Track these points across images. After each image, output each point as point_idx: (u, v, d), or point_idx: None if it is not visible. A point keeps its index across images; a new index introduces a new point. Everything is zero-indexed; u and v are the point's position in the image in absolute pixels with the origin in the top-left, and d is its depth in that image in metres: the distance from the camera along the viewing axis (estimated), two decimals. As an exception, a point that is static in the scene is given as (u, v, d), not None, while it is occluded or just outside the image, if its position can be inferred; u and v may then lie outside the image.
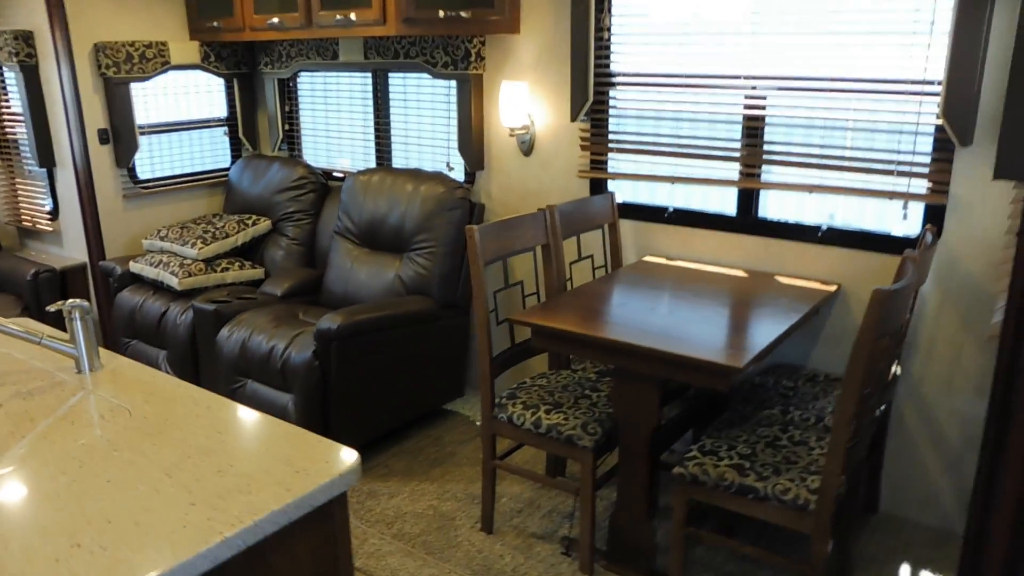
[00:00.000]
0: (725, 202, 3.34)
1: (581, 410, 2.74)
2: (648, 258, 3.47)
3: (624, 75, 3.49)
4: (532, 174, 3.85)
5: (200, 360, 3.86)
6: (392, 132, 4.42)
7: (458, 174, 4.10)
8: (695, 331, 2.49)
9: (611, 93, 3.54)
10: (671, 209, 3.45)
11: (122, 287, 4.28)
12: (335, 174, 4.66)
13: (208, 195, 4.88)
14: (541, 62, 3.70)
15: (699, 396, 3.07)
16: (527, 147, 3.82)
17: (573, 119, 3.59)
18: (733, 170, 3.24)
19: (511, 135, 3.80)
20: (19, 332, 2.00)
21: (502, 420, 2.83)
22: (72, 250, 4.60)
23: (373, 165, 4.50)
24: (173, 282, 3.99)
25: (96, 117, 4.32)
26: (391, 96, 4.40)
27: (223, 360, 3.63)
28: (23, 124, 4.51)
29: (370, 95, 4.45)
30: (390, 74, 4.36)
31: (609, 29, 3.46)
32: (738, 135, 3.18)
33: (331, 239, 4.16)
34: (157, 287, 4.14)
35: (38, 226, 4.77)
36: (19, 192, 4.86)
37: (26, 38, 4.31)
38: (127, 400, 1.84)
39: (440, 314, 3.71)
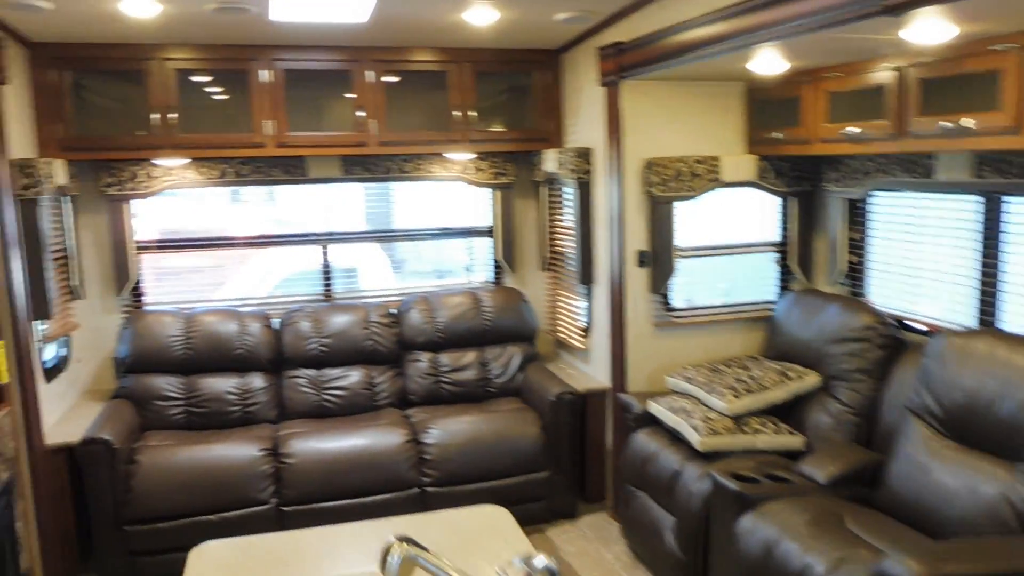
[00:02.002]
0: None
1: None
2: None
3: None
4: None
5: (712, 546, 3.11)
6: (1005, 278, 3.18)
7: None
8: None
9: None
10: None
11: (639, 426, 3.80)
12: (912, 325, 3.56)
13: (747, 330, 4.19)
14: None
15: None
16: None
17: None
18: None
19: None
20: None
21: None
22: (597, 371, 4.33)
23: (973, 321, 3.31)
24: (693, 439, 3.35)
25: (637, 237, 3.99)
26: (1006, 229, 3.18)
27: (741, 560, 2.82)
28: (573, 238, 4.44)
29: (973, 225, 3.28)
30: (1006, 199, 3.15)
31: None
32: None
33: (900, 416, 3.09)
34: (675, 436, 3.55)
35: (571, 341, 4.63)
36: (560, 304, 4.81)
37: (585, 155, 4.21)
38: None
39: (1079, 574, 2.36)
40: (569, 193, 4.48)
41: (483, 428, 4.04)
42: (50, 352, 3.98)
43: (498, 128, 4.64)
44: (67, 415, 3.93)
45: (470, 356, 4.56)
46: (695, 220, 4.11)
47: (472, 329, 4.57)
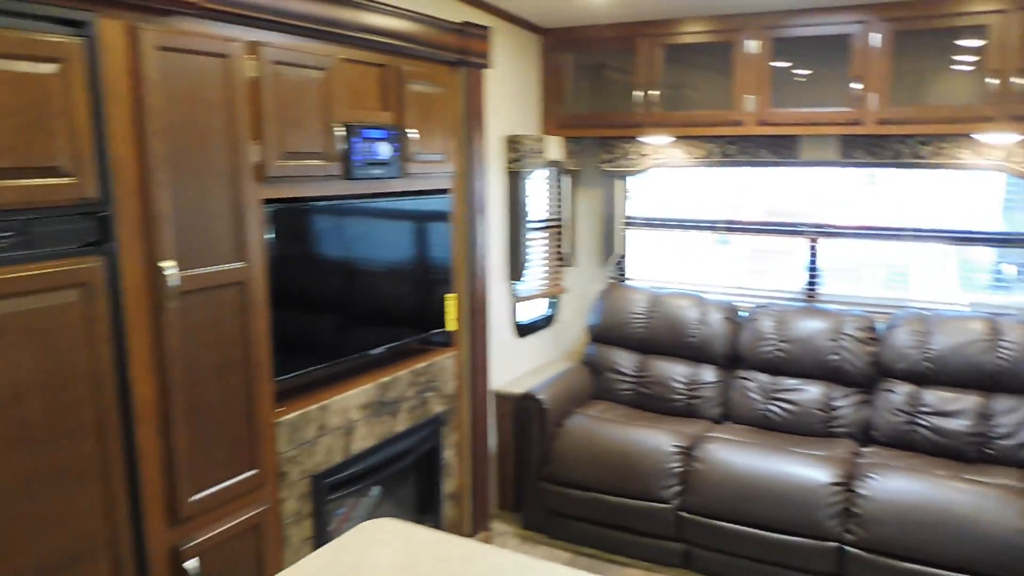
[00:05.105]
0: None
1: None
2: None
3: None
4: None
5: None
6: None
7: None
8: None
9: None
10: None
11: None
12: None
13: None
14: None
15: None
16: None
17: None
18: None
19: None
20: None
21: None
22: None
23: None
24: None
25: None
26: None
27: None
28: None
29: None
30: None
31: None
32: None
33: None
34: None
35: None
36: None
37: None
38: None
39: None
40: None
41: (946, 498, 3.08)
42: (533, 311, 4.43)
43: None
44: (536, 369, 4.34)
45: (966, 401, 3.50)
46: None
47: (979, 367, 3.49)
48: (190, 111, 2.20)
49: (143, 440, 2.15)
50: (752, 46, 3.71)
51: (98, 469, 2.03)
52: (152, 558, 2.21)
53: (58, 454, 1.92)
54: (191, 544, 2.30)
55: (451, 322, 3.55)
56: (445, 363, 3.52)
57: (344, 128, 2.78)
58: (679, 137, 4.15)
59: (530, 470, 3.87)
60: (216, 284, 2.33)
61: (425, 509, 3.53)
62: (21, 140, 1.81)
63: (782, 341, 3.88)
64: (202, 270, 2.27)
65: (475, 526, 3.81)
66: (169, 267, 2.15)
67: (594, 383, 4.24)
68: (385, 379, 3.13)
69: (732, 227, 4.37)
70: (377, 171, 2.97)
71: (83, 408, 1.98)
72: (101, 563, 2.06)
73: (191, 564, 2.29)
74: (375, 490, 3.24)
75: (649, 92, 3.95)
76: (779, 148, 4.00)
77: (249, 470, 2.49)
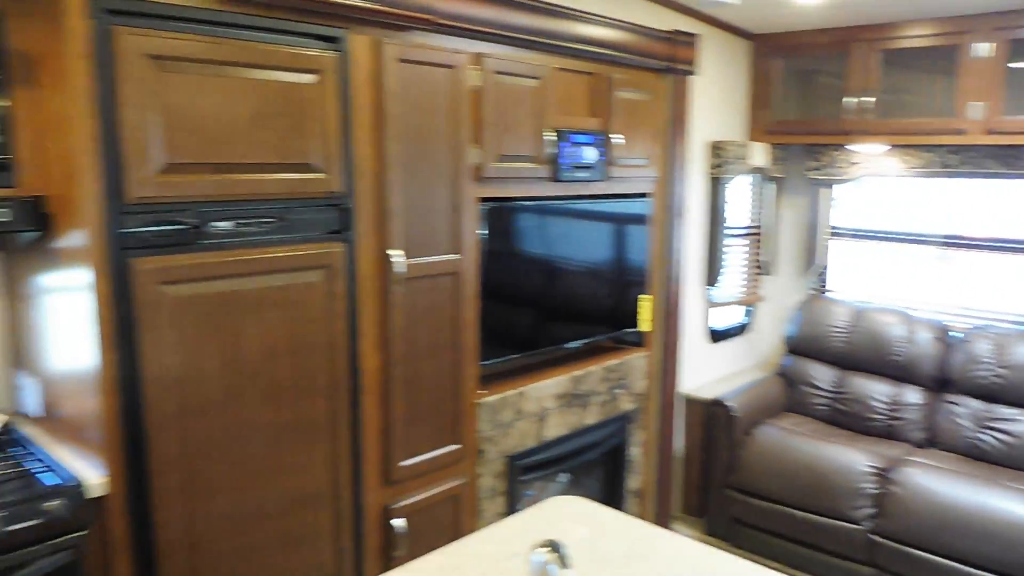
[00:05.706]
0: None
1: None
2: None
3: None
4: None
5: None
6: None
7: None
8: None
9: None
10: None
11: None
12: None
13: None
14: None
15: None
16: None
17: None
18: None
19: None
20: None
21: None
22: None
23: None
24: None
25: None
26: None
27: None
28: None
29: None
30: None
31: None
32: None
33: None
34: None
35: None
36: None
37: None
38: None
39: None
40: None
41: None
42: (728, 318, 4.40)
43: None
44: (728, 376, 4.32)
45: None
46: None
47: None
48: (420, 117, 2.46)
49: (366, 407, 2.44)
50: (982, 49, 3.49)
51: (328, 428, 2.32)
52: (366, 512, 2.49)
53: (299, 411, 2.24)
54: (399, 505, 2.56)
55: (644, 323, 3.63)
56: (636, 362, 3.61)
57: (554, 133, 2.95)
58: (893, 146, 3.97)
59: (716, 476, 3.87)
60: (435, 273, 2.58)
61: (609, 502, 3.64)
62: (285, 140, 2.13)
63: (1001, 367, 3.60)
64: (423, 260, 2.53)
65: (657, 525, 3.87)
66: (397, 256, 2.42)
67: (787, 395, 4.16)
68: (578, 373, 3.27)
69: (949, 242, 4.11)
70: (582, 174, 3.12)
71: (320, 374, 2.28)
72: (326, 509, 2.36)
73: (398, 523, 2.56)
74: (563, 477, 3.40)
75: (862, 98, 3.82)
76: (1009, 159, 3.72)
77: (452, 444, 2.73)
